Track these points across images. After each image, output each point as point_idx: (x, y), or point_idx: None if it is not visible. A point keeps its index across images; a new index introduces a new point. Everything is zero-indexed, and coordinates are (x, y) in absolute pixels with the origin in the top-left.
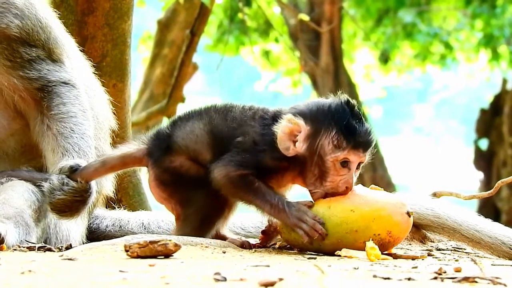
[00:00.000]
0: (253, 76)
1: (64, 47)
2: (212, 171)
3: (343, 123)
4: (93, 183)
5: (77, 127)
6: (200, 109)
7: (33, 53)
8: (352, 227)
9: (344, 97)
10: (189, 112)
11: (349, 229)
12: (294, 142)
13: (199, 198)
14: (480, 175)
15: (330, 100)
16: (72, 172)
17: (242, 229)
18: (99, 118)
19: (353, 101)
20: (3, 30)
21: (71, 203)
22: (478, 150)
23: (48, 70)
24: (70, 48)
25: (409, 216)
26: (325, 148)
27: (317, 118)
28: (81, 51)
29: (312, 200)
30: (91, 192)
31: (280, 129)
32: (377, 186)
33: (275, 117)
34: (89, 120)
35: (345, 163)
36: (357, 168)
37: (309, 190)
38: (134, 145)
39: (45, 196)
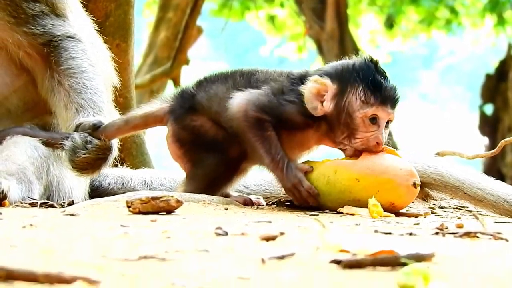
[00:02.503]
0: (259, 41)
1: (67, 1)
2: (233, 97)
3: (369, 79)
4: (114, 141)
5: (89, 82)
6: (226, 72)
7: (36, 8)
8: (355, 196)
9: (367, 55)
10: (215, 74)
11: (352, 198)
12: (322, 102)
13: (211, 161)
14: (485, 140)
15: (354, 59)
16: (95, 129)
17: (245, 186)
18: (102, 75)
19: (377, 58)
20: None
21: (94, 161)
22: (483, 116)
23: (52, 25)
24: (73, 3)
25: (415, 188)
26: (353, 104)
27: (342, 76)
28: (84, 11)
29: (333, 158)
30: (112, 150)
31: (307, 89)
32: (390, 147)
33: (302, 77)
34: (99, 74)
35: (374, 120)
36: (386, 126)
37: (340, 148)
38: (156, 104)
39: (67, 154)
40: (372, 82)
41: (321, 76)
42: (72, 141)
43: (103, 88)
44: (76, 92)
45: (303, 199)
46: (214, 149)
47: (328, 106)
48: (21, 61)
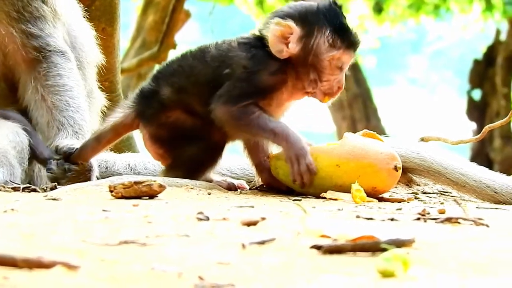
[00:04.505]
0: (248, 25)
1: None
2: (213, 110)
3: (336, 22)
4: (93, 160)
5: (72, 100)
6: (177, 58)
7: (41, 12)
8: (337, 182)
9: None
10: (167, 65)
11: (334, 184)
12: (287, 44)
13: (195, 150)
14: (473, 125)
15: (316, 1)
16: (69, 156)
17: (228, 170)
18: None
19: (340, 2)
20: None
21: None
22: (471, 101)
23: (49, 33)
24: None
25: (397, 171)
26: (321, 47)
27: (307, 19)
28: None
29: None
30: (93, 169)
31: (271, 32)
32: (371, 131)
33: (256, 37)
34: (83, 93)
35: (338, 63)
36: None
37: (309, 92)
38: (120, 112)
39: (50, 183)
40: (339, 26)
41: (283, 18)
42: (51, 173)
43: (85, 106)
44: (58, 109)
45: (300, 173)
46: (196, 138)
47: (294, 48)
48: (5, 56)
